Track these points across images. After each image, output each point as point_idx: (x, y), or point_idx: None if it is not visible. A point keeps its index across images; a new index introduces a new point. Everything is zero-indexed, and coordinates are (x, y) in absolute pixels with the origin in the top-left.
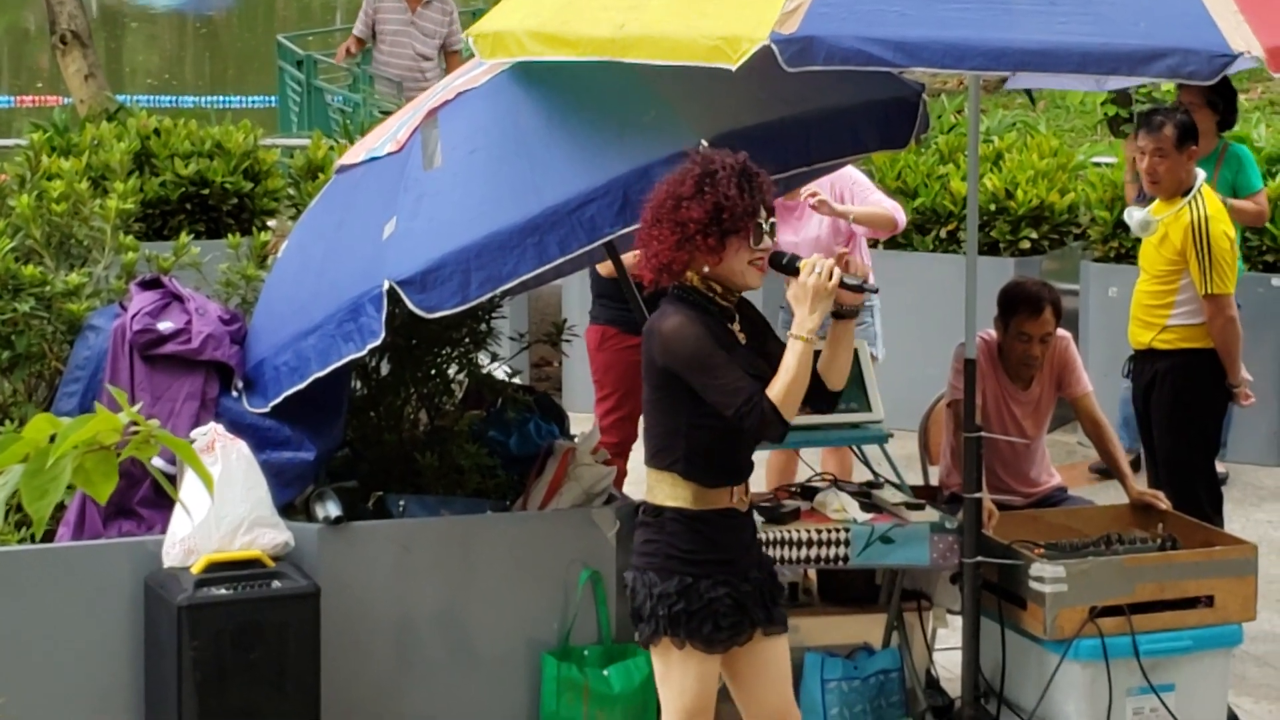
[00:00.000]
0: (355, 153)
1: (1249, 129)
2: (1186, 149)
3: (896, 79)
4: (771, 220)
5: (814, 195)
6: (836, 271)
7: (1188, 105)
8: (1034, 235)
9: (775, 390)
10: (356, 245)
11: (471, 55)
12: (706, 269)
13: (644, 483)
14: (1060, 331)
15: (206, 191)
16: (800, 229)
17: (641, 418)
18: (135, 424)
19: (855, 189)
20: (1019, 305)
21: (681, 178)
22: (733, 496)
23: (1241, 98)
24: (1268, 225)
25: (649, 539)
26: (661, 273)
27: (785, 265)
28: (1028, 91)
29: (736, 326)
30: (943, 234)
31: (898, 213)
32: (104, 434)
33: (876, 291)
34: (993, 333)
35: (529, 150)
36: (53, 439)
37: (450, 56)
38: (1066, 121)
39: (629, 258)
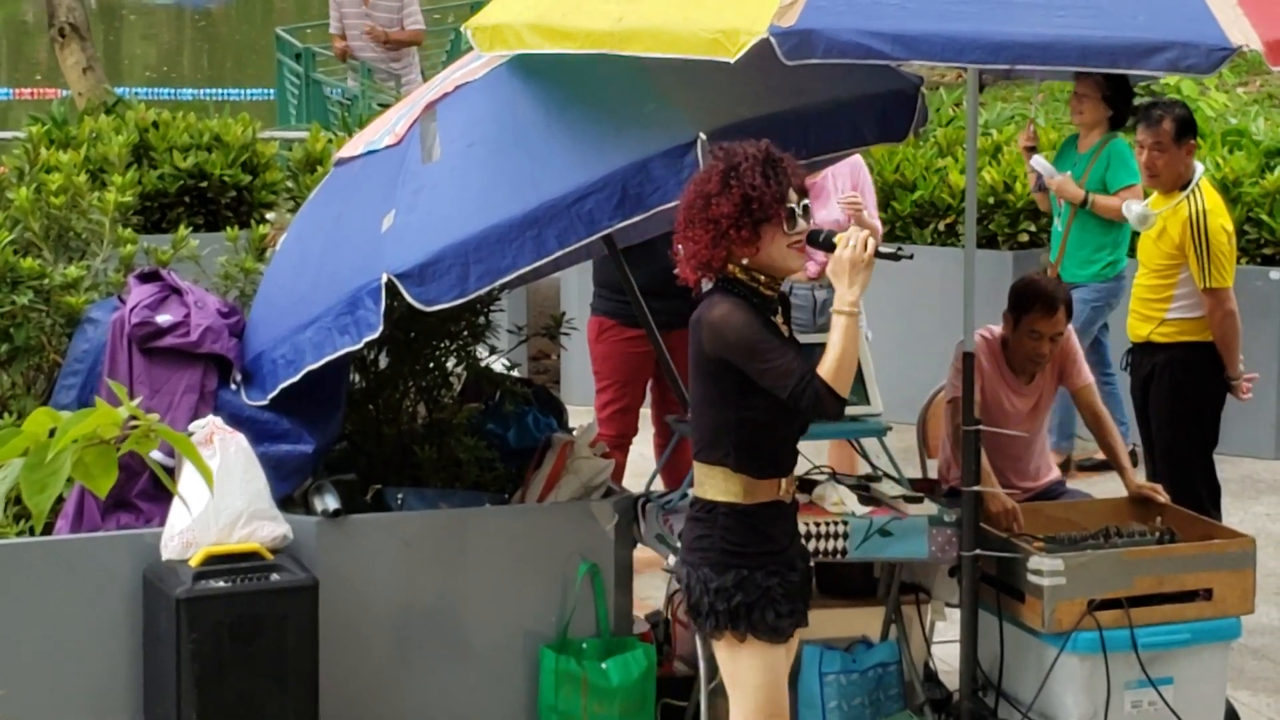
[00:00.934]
0: (354, 146)
1: (1247, 122)
2: (1185, 143)
3: (895, 72)
4: (804, 202)
5: (854, 201)
6: (871, 241)
7: (1082, 95)
8: (1032, 228)
9: (826, 367)
10: (355, 238)
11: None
12: (746, 260)
13: (642, 475)
14: None
15: (205, 184)
16: (817, 211)
17: (648, 410)
18: (135, 418)
19: (868, 190)
20: (1034, 303)
21: (707, 175)
22: (780, 488)
23: (1239, 91)
24: (1266, 218)
25: (702, 534)
26: (703, 271)
27: (822, 242)
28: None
29: (780, 319)
30: (941, 227)
31: (879, 232)
32: (104, 428)
33: (911, 257)
34: (994, 329)
35: (527, 143)
36: (53, 433)
37: (407, 34)
38: (1065, 115)
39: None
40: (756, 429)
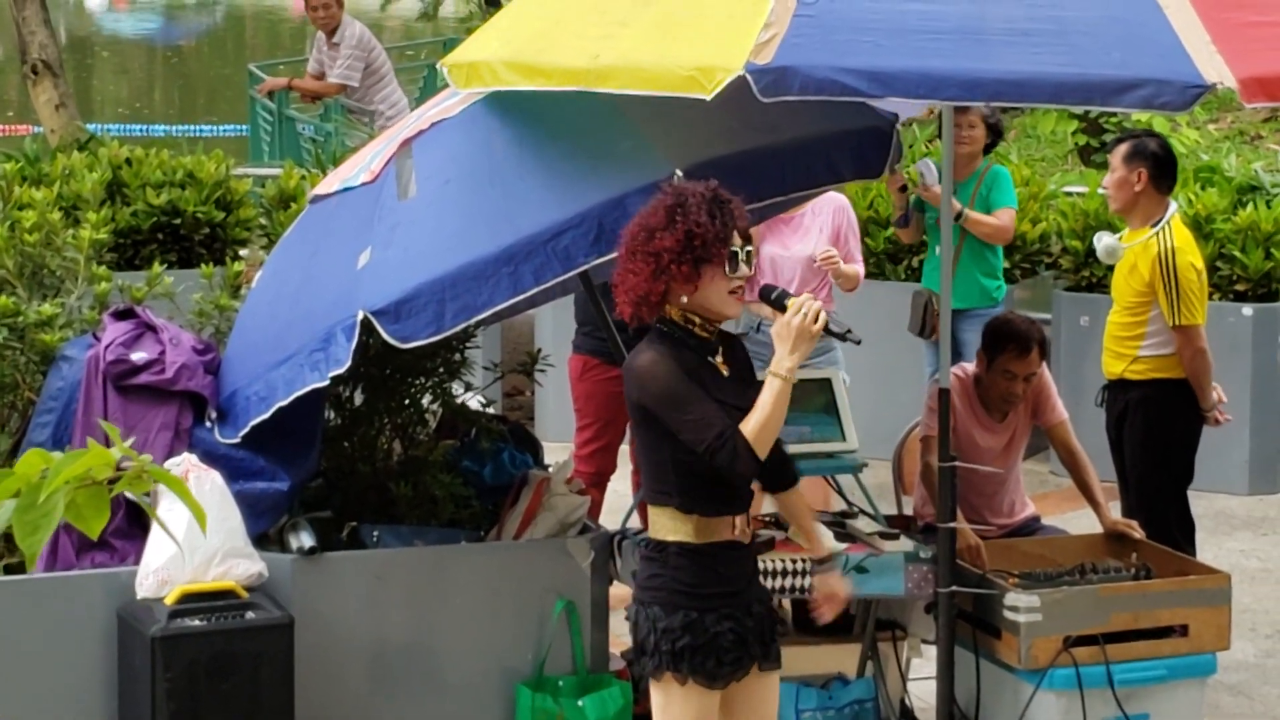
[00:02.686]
0: (329, 183)
1: (1219, 158)
2: (1135, 169)
3: (869, 108)
4: (748, 249)
5: (829, 257)
6: (823, 315)
7: (971, 124)
8: (1006, 264)
9: (749, 426)
10: (331, 275)
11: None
12: (685, 299)
13: (619, 512)
14: None
15: (178, 221)
16: (791, 245)
17: (624, 447)
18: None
19: (852, 235)
20: (1007, 343)
21: (653, 209)
22: (734, 528)
23: (1210, 127)
24: (1238, 254)
25: (654, 573)
26: (639, 306)
27: (774, 300)
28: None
29: (720, 359)
30: (914, 263)
31: (861, 276)
32: (96, 469)
33: (859, 343)
34: (968, 367)
35: (503, 180)
36: (45, 474)
37: (316, 85)
38: (1037, 151)
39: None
40: (694, 471)
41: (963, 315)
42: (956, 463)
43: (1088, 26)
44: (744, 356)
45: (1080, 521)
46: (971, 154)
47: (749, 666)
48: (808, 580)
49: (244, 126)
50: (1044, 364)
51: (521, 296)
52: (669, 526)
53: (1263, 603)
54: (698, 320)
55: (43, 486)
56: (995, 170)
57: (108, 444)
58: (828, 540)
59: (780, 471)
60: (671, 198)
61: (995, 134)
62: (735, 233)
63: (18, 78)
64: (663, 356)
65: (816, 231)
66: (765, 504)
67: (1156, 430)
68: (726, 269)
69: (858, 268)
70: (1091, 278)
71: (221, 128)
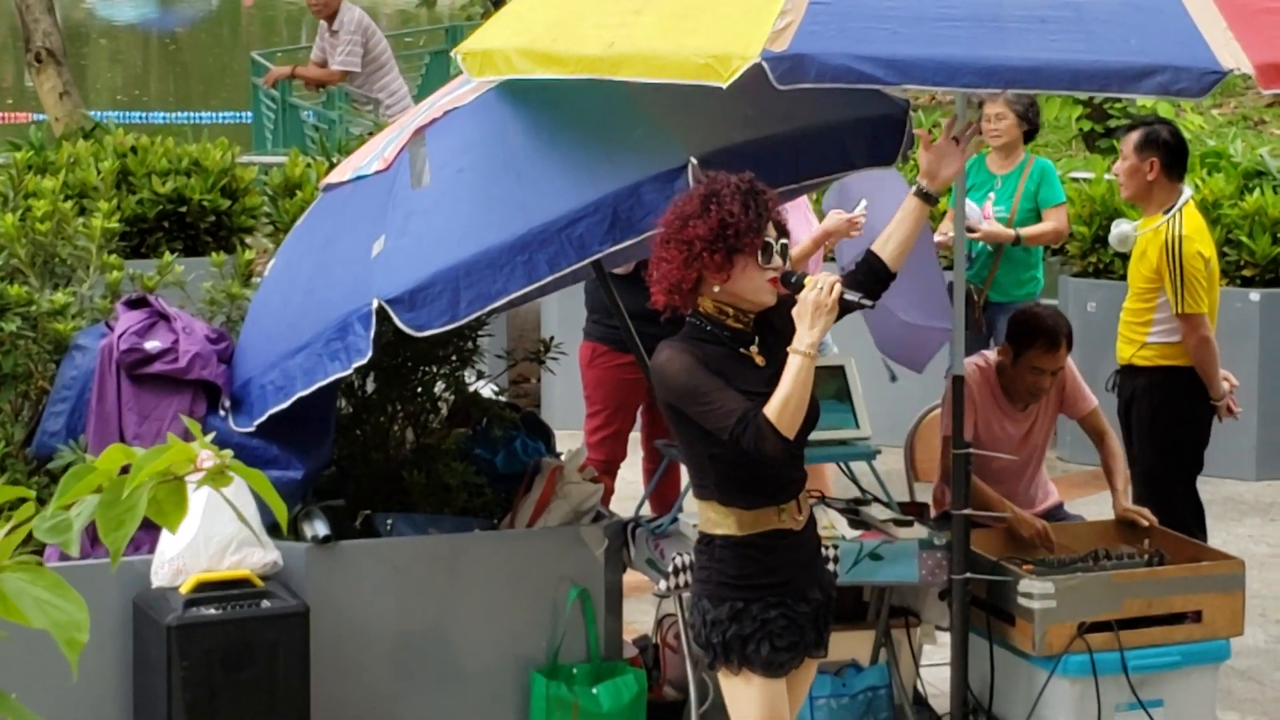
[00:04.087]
0: (342, 171)
1: (1225, 144)
2: (1147, 157)
3: (883, 95)
4: (783, 241)
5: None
6: (837, 287)
7: (998, 115)
8: None
9: (772, 406)
10: (345, 263)
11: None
12: (717, 288)
13: (630, 499)
14: None
15: (184, 209)
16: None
17: (635, 434)
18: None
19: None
20: (1036, 337)
21: (689, 197)
22: (780, 516)
23: (1215, 112)
24: (1245, 239)
25: (702, 566)
26: (672, 293)
27: (793, 284)
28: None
29: (755, 349)
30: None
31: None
32: (177, 464)
33: (872, 306)
34: (989, 355)
35: (517, 168)
36: (125, 469)
37: (320, 73)
38: (1041, 137)
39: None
40: (730, 465)
41: (1001, 308)
42: (971, 450)
43: (1104, 13)
44: (784, 326)
45: (1087, 508)
46: (1007, 145)
47: (815, 650)
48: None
49: (244, 113)
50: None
51: (536, 285)
52: (713, 520)
53: (1273, 588)
54: (731, 311)
55: (125, 482)
56: (1039, 164)
57: (121, 435)
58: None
59: (867, 266)
60: (706, 186)
61: (1029, 123)
62: (770, 224)
63: (14, 63)
64: (680, 351)
65: (804, 224)
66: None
67: (1163, 417)
68: (760, 259)
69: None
70: (1098, 263)
71: (222, 115)
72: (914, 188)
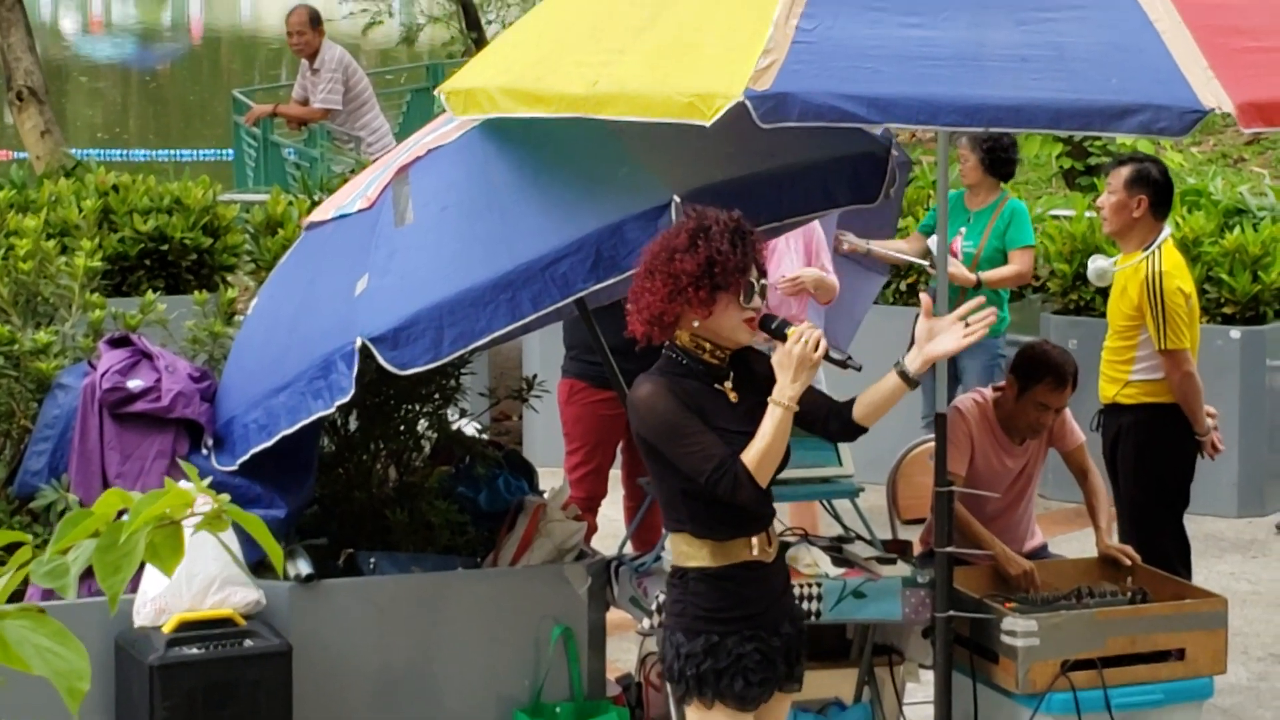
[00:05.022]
0: (325, 209)
1: (1205, 181)
2: (1136, 195)
3: (865, 133)
4: (763, 282)
5: (793, 280)
6: (823, 343)
7: (964, 158)
8: None
9: (750, 455)
10: (328, 302)
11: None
12: (696, 324)
13: (612, 537)
14: None
15: (166, 247)
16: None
17: (616, 472)
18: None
19: (823, 250)
20: (1044, 374)
21: (676, 231)
22: (753, 549)
23: (1194, 150)
24: (1225, 277)
25: (675, 599)
26: (653, 325)
27: (774, 330)
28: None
29: (729, 385)
30: (903, 287)
31: (838, 288)
32: (174, 509)
33: (859, 369)
34: (985, 393)
35: (501, 206)
36: (122, 514)
37: (301, 111)
38: (1021, 174)
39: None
40: (702, 500)
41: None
42: (954, 488)
43: (1086, 52)
44: (765, 372)
45: (1069, 545)
46: (974, 186)
47: (789, 684)
48: (804, 605)
49: (226, 151)
50: None
51: (519, 323)
52: (686, 553)
53: (1254, 625)
54: (708, 346)
55: (122, 527)
56: (1011, 205)
57: (103, 474)
58: (891, 377)
59: (841, 414)
60: (695, 221)
61: (996, 165)
62: (754, 264)
63: None
64: (661, 388)
65: (790, 253)
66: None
67: (1148, 455)
68: (741, 298)
69: (832, 279)
70: (1080, 300)
71: (203, 152)
72: (896, 366)
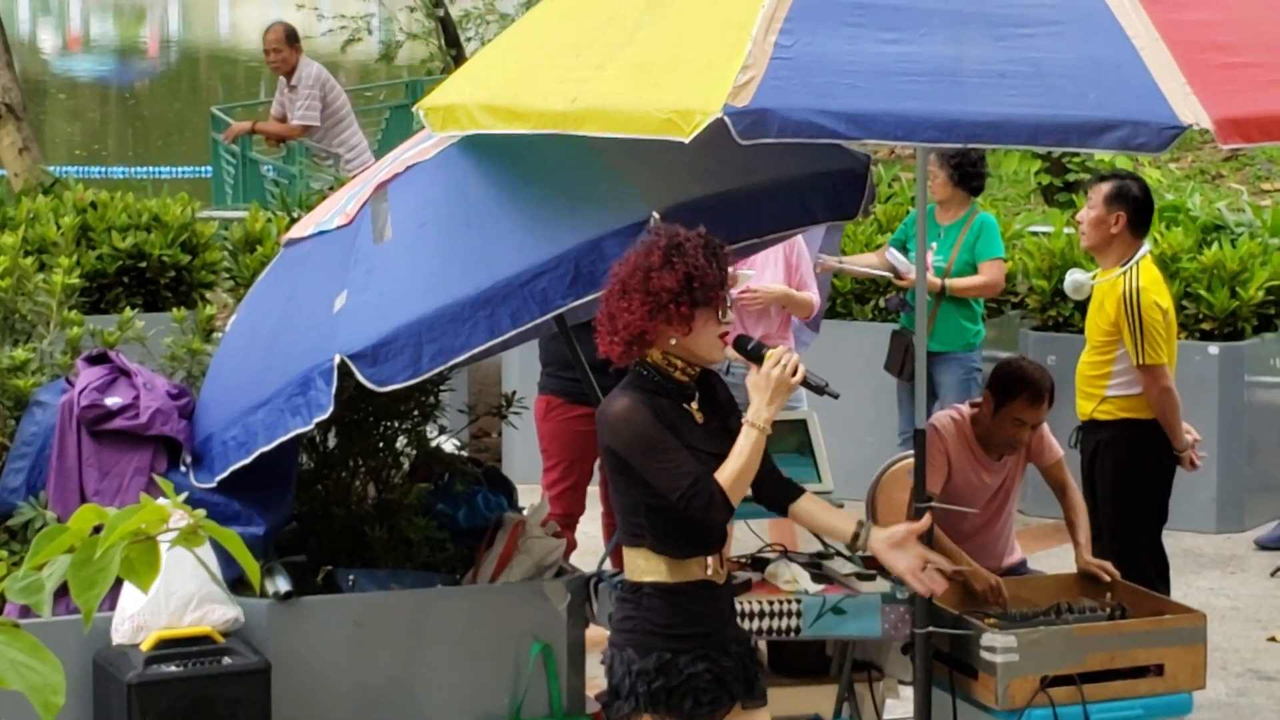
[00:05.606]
0: (303, 226)
1: (1183, 198)
2: (1115, 211)
3: (844, 150)
4: (731, 296)
5: (745, 294)
6: (801, 368)
7: (932, 174)
8: None
9: (725, 475)
10: (307, 319)
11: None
12: (674, 341)
13: (590, 554)
14: None
15: (144, 264)
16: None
17: (594, 488)
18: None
19: (803, 263)
20: (1020, 390)
21: (648, 250)
22: (707, 568)
23: (1172, 166)
24: (1203, 293)
25: (627, 615)
26: (632, 345)
27: (750, 351)
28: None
29: (695, 405)
30: (881, 303)
31: (816, 303)
32: (150, 524)
33: (837, 396)
34: (962, 409)
35: (479, 223)
36: (97, 529)
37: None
38: (1000, 191)
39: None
40: (664, 513)
41: (940, 358)
42: (933, 504)
43: (1064, 68)
44: (725, 396)
45: (1046, 562)
46: (943, 202)
47: (729, 706)
48: (784, 621)
49: (204, 168)
50: None
51: (499, 339)
52: (642, 567)
53: (1232, 641)
54: (680, 364)
55: (97, 543)
56: (981, 219)
57: (81, 491)
58: (849, 523)
59: (783, 491)
60: (666, 239)
61: (966, 175)
62: (727, 279)
63: None
64: (638, 404)
65: (771, 267)
66: (736, 546)
67: (1127, 471)
68: (719, 314)
69: (810, 295)
70: (1058, 317)
71: (181, 169)
72: (860, 523)
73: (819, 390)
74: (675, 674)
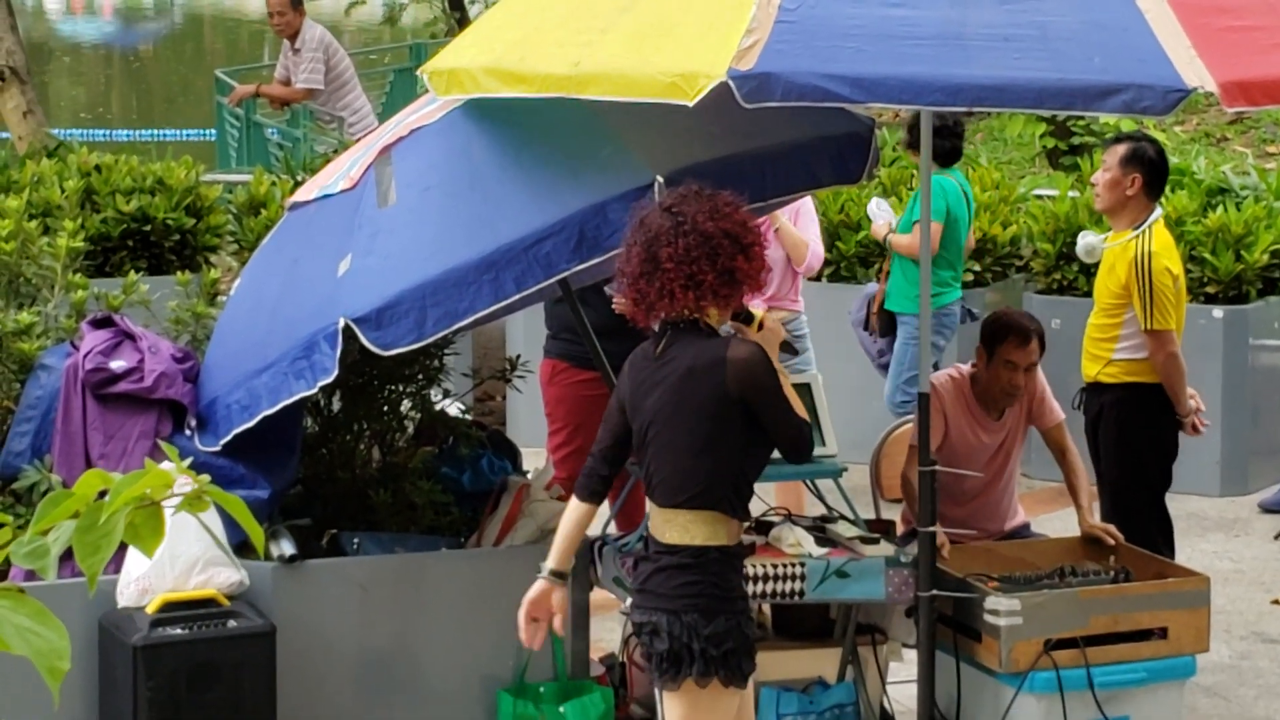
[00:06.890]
0: (308, 189)
1: (1188, 161)
2: (1130, 173)
3: (848, 113)
4: None
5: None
6: (781, 330)
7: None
8: (977, 267)
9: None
10: (311, 282)
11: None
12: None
13: (598, 518)
14: None
15: (149, 228)
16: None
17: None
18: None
19: (803, 216)
20: (1007, 333)
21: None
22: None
23: (1177, 130)
24: (1208, 256)
25: (692, 580)
26: (712, 300)
27: (738, 315)
28: None
29: None
30: (886, 267)
31: (815, 258)
32: (154, 489)
33: (796, 353)
34: (963, 368)
35: (484, 187)
36: (102, 494)
37: (284, 91)
38: (1005, 154)
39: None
40: (753, 472)
41: (905, 319)
42: (936, 467)
43: (1069, 32)
44: None
45: (1051, 525)
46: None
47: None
48: (788, 585)
49: (209, 131)
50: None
51: (503, 303)
52: (707, 532)
53: (1236, 604)
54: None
55: (102, 508)
56: (934, 180)
57: (86, 455)
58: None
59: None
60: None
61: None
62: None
63: None
64: (761, 349)
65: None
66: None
67: (1130, 434)
68: None
69: (808, 239)
70: (1063, 280)
71: (186, 133)
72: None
73: (793, 351)
74: (740, 636)
